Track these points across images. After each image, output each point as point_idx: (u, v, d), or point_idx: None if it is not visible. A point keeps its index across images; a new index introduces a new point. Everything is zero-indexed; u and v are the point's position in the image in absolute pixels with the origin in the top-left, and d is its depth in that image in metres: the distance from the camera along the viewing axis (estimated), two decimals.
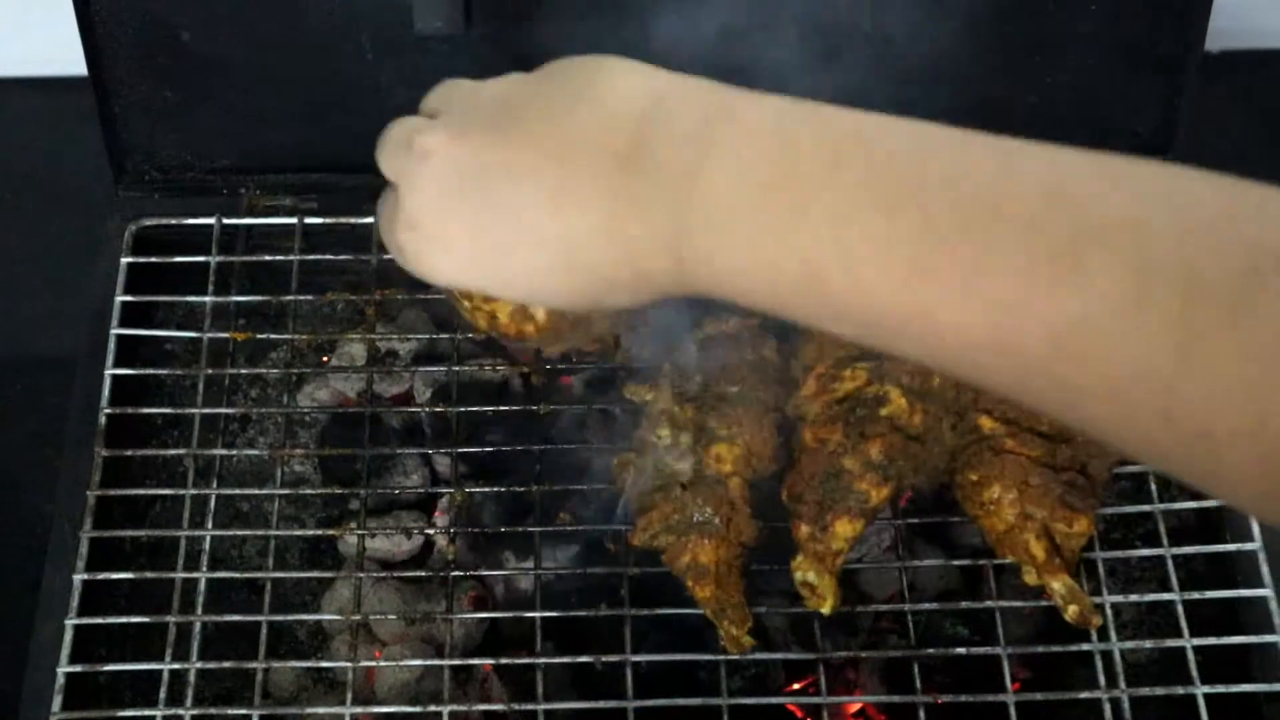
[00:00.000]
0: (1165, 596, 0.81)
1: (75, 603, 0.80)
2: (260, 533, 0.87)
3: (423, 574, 0.85)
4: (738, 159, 0.50)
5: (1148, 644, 0.82)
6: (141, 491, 0.88)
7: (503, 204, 0.54)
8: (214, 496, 0.84)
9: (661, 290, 0.54)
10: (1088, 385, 0.44)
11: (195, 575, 0.81)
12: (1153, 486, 0.84)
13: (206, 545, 0.83)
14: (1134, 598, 0.85)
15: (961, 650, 0.80)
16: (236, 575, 0.85)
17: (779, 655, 0.83)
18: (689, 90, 0.53)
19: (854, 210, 0.47)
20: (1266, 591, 0.80)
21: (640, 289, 0.54)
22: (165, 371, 0.95)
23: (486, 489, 0.86)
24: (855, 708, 0.84)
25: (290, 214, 0.94)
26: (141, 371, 0.92)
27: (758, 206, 0.49)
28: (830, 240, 0.47)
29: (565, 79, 0.56)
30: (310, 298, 0.93)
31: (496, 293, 0.57)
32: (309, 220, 0.94)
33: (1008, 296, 0.45)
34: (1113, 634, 0.80)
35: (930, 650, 0.80)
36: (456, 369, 0.89)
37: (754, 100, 0.52)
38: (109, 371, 0.87)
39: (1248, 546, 0.82)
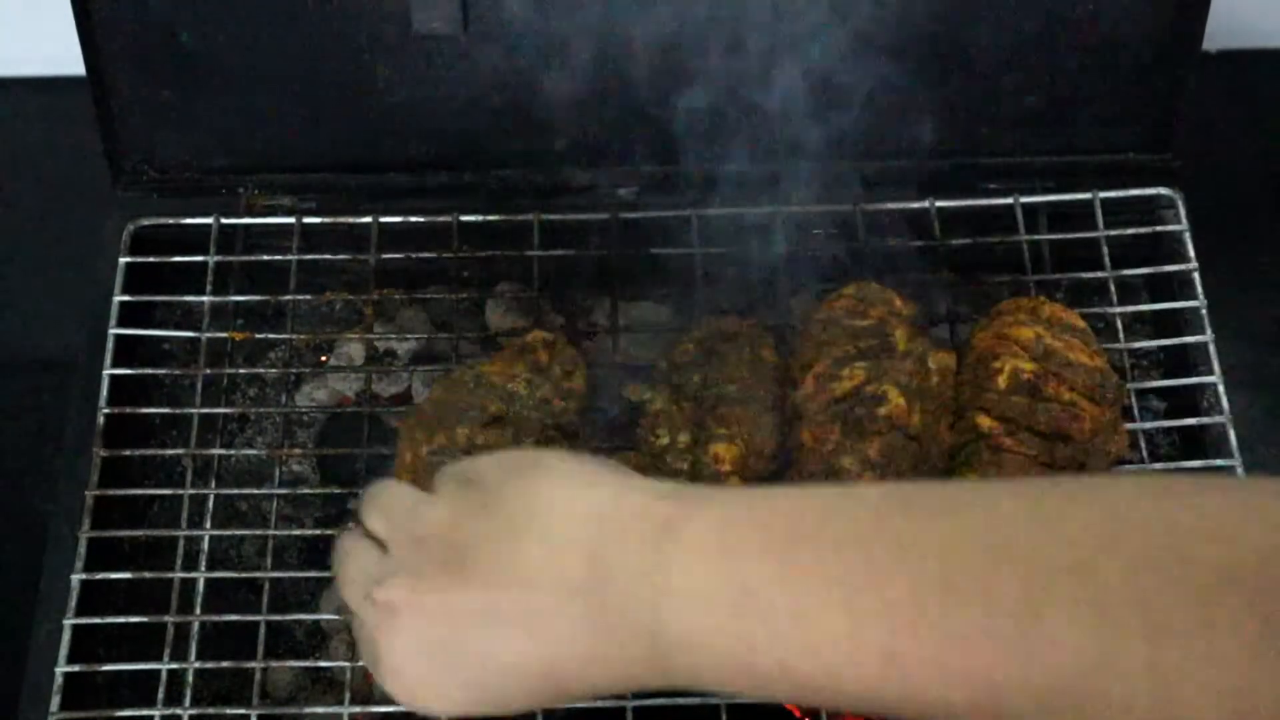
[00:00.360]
0: None
1: (74, 602, 0.80)
2: (259, 532, 0.87)
3: None
4: (692, 585, 0.51)
5: None
6: (140, 491, 0.88)
7: (481, 650, 0.55)
8: (212, 496, 0.84)
9: (650, 687, 0.55)
10: None
11: (194, 575, 0.81)
12: None
13: (205, 545, 0.83)
14: None
15: None
16: (235, 575, 0.85)
17: None
18: (630, 509, 0.54)
19: (815, 613, 0.48)
20: None
21: (634, 686, 0.55)
22: (164, 371, 0.95)
23: None
24: None
25: (288, 214, 0.94)
26: (140, 371, 0.92)
27: (725, 631, 0.50)
28: (799, 646, 0.48)
29: (507, 504, 0.56)
30: (308, 297, 0.93)
31: (497, 714, 0.58)
32: (307, 220, 0.94)
33: (982, 669, 0.45)
34: None
35: None
36: (454, 369, 0.89)
37: (697, 507, 0.53)
38: (107, 371, 0.87)
39: None
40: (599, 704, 0.78)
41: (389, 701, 0.81)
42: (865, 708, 0.50)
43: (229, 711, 0.80)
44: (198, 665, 0.79)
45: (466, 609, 0.55)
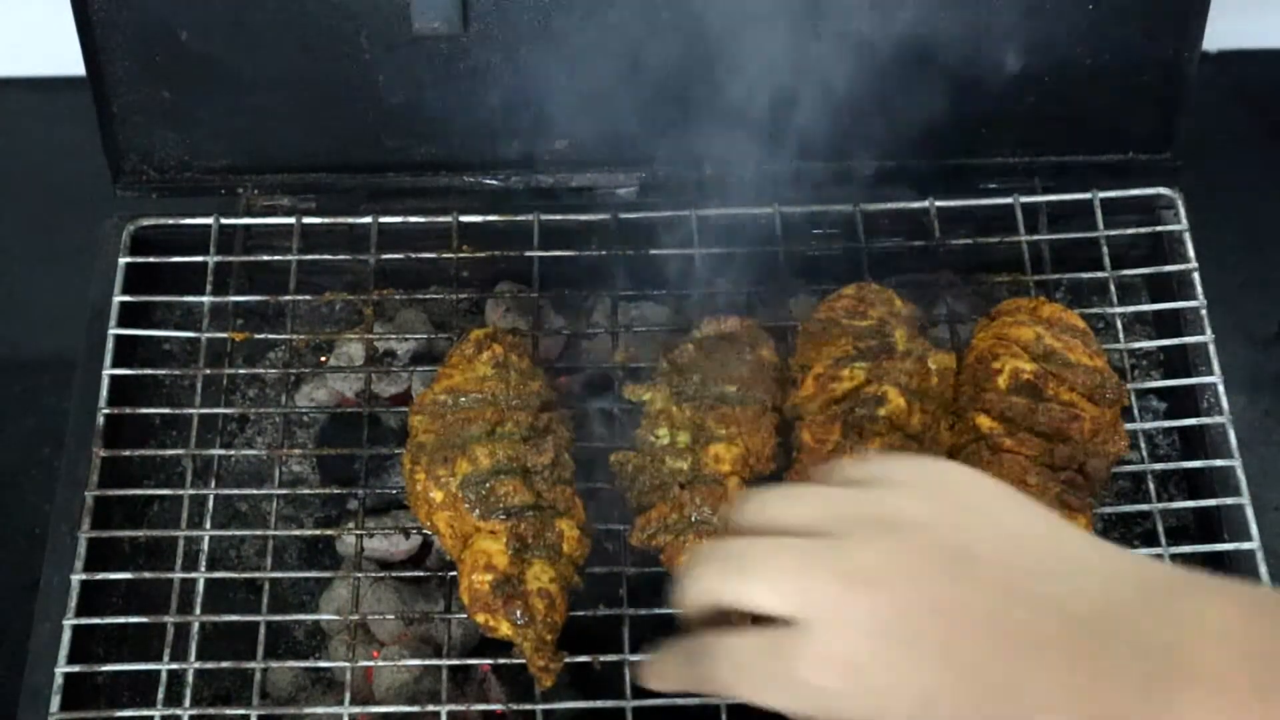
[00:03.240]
0: None
1: (73, 603, 0.80)
2: (258, 533, 0.87)
3: (421, 574, 0.85)
4: (1207, 674, 0.47)
5: None
6: (140, 492, 0.88)
7: (955, 653, 0.49)
8: (212, 496, 0.84)
9: None
10: None
11: (193, 575, 0.81)
12: (1151, 486, 0.84)
13: (205, 545, 0.83)
14: None
15: None
16: (235, 575, 0.85)
17: None
18: (1148, 584, 0.50)
19: None
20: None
21: None
22: (163, 372, 0.95)
23: None
24: None
25: (288, 214, 0.94)
26: (139, 372, 0.92)
27: (1245, 707, 0.47)
28: None
29: (1015, 524, 0.52)
30: (308, 298, 0.93)
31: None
32: (307, 220, 0.94)
33: None
34: None
35: None
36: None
37: (1216, 595, 0.49)
38: (107, 372, 0.87)
39: (1245, 546, 0.82)
40: (599, 704, 0.78)
41: (389, 702, 0.82)
42: None
43: (229, 712, 0.80)
44: (198, 665, 0.79)
45: (958, 605, 0.49)
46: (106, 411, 0.86)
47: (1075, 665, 0.48)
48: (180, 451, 0.87)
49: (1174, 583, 0.50)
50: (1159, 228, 0.94)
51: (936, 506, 0.52)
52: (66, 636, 0.79)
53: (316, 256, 0.93)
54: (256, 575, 0.83)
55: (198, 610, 0.80)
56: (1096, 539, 0.54)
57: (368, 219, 0.93)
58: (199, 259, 0.92)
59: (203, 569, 0.82)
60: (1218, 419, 0.86)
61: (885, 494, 0.52)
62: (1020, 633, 0.49)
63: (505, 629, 0.75)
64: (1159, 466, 0.86)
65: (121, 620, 0.82)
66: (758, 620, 0.52)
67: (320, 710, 0.82)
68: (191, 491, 0.84)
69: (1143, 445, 0.86)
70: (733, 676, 0.52)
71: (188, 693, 0.78)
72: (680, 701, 0.76)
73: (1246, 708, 0.47)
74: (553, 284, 0.93)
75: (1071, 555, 0.51)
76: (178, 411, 0.88)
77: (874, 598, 0.49)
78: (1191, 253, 0.92)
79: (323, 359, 0.97)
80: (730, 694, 0.52)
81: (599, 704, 0.78)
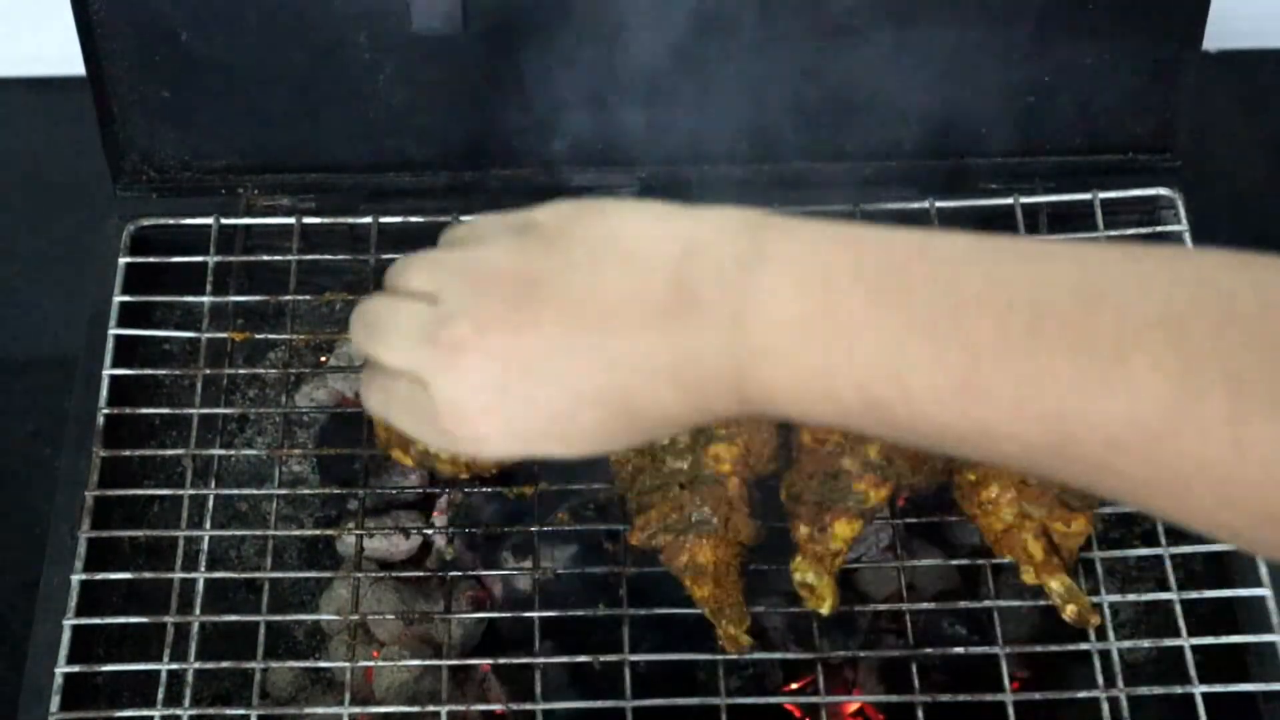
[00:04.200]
0: (1163, 596, 0.81)
1: (73, 603, 0.80)
2: (258, 533, 0.87)
3: (421, 574, 0.85)
4: (778, 301, 0.51)
5: (1146, 643, 0.82)
6: (140, 492, 0.88)
7: (554, 379, 0.53)
8: (212, 497, 0.84)
9: (723, 416, 0.54)
10: (1149, 479, 0.46)
11: (193, 575, 0.81)
12: None
13: (205, 545, 0.82)
14: (1132, 597, 0.85)
15: (960, 650, 0.80)
16: (235, 575, 0.85)
17: (777, 655, 0.83)
18: (714, 232, 0.53)
19: (900, 340, 0.48)
20: (1264, 591, 0.80)
21: (701, 419, 0.54)
22: (163, 372, 0.95)
23: (484, 489, 0.86)
24: (853, 707, 0.84)
25: (288, 214, 0.94)
26: (140, 372, 0.92)
27: (808, 348, 0.50)
28: (882, 372, 0.49)
29: (578, 239, 0.55)
30: (308, 298, 0.93)
31: (559, 455, 0.56)
32: (307, 220, 0.94)
33: (1059, 407, 0.46)
34: (1111, 633, 0.80)
35: (928, 650, 0.80)
36: None
37: (782, 233, 0.52)
38: (107, 372, 0.87)
39: None
40: (599, 704, 0.78)
41: (389, 702, 0.82)
42: (935, 440, 0.50)
43: (229, 712, 0.80)
44: (197, 666, 0.79)
45: (541, 345, 0.53)
46: (106, 411, 0.86)
47: (667, 349, 0.52)
48: (180, 451, 0.87)
49: (741, 254, 0.52)
50: (1159, 228, 0.94)
51: (528, 249, 0.55)
52: (66, 636, 0.79)
53: (316, 256, 0.93)
54: (256, 575, 0.83)
55: (198, 610, 0.80)
56: (684, 213, 0.55)
57: (368, 219, 0.93)
58: (199, 259, 0.92)
59: (203, 569, 0.82)
60: None
61: (475, 250, 0.56)
62: (605, 335, 0.52)
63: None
64: None
65: (121, 620, 0.81)
66: None
67: (320, 710, 0.82)
68: (191, 491, 0.84)
69: None
70: (385, 410, 0.58)
71: (188, 693, 0.78)
72: (680, 701, 0.77)
73: (806, 360, 0.50)
74: None
75: (648, 249, 0.53)
76: (178, 411, 0.88)
77: (463, 357, 0.54)
78: None
79: (323, 359, 0.97)
80: (399, 429, 0.59)
81: (599, 704, 0.78)
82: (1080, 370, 0.45)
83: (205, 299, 0.90)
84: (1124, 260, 0.48)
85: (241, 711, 0.79)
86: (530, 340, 0.53)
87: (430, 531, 0.88)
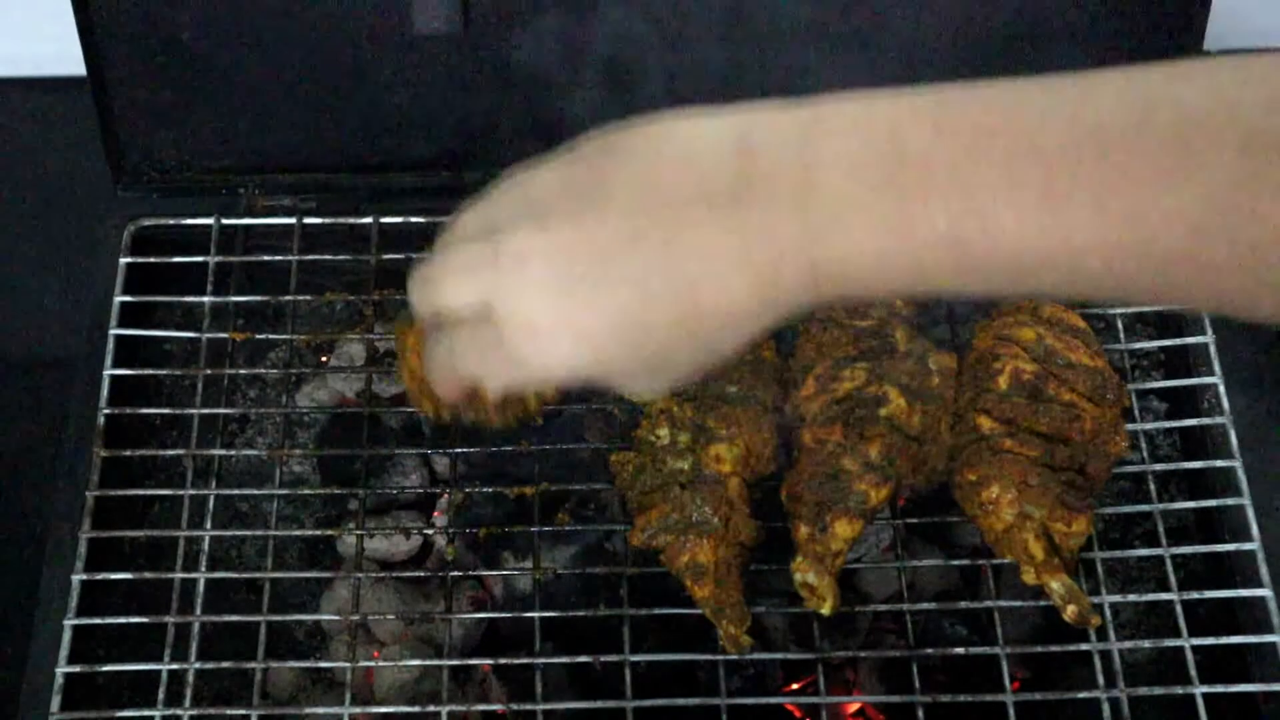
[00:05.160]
0: (1164, 596, 0.81)
1: (74, 603, 0.80)
2: (259, 533, 0.87)
3: (421, 574, 0.85)
4: (847, 157, 0.51)
5: (1146, 644, 0.82)
6: (140, 492, 0.88)
7: (621, 274, 0.53)
8: (213, 497, 0.84)
9: (788, 309, 0.54)
10: (1226, 260, 0.47)
11: (194, 575, 0.81)
12: (1151, 486, 0.84)
13: (205, 545, 0.83)
14: (1133, 597, 0.85)
15: (960, 650, 0.80)
16: (235, 575, 0.85)
17: (778, 655, 0.83)
18: (765, 115, 0.53)
19: (972, 170, 0.49)
20: (1265, 591, 0.80)
21: (767, 314, 0.54)
22: (164, 372, 0.95)
23: (485, 489, 0.86)
24: (854, 708, 0.84)
25: (289, 214, 0.94)
26: (140, 372, 0.92)
27: (881, 193, 0.50)
28: (959, 203, 0.49)
29: (631, 147, 0.54)
30: (309, 298, 0.93)
31: (633, 366, 0.55)
32: (308, 220, 0.94)
33: (1139, 202, 0.47)
34: (1111, 634, 0.80)
35: (929, 650, 0.80)
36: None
37: (835, 103, 0.53)
38: (108, 372, 0.87)
39: (1246, 546, 0.82)
40: (599, 704, 0.78)
41: (389, 702, 0.82)
42: (1014, 274, 0.50)
43: (229, 712, 0.80)
44: (198, 666, 0.79)
45: (607, 239, 0.53)
46: (107, 411, 0.86)
47: (736, 233, 0.51)
48: (181, 452, 0.87)
49: (801, 126, 0.52)
50: None
51: (570, 162, 0.56)
52: (66, 636, 0.79)
53: (317, 256, 0.93)
54: (257, 575, 0.83)
55: (198, 610, 0.80)
56: (733, 117, 0.55)
57: (368, 219, 0.93)
58: (200, 259, 0.92)
59: (203, 569, 0.82)
60: (1218, 419, 0.86)
61: (526, 178, 0.57)
62: (672, 229, 0.52)
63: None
64: (1159, 467, 0.86)
65: (122, 620, 0.81)
66: None
67: (321, 710, 0.82)
68: (192, 492, 0.84)
69: (1143, 445, 0.86)
70: (450, 362, 0.58)
71: (188, 693, 0.78)
72: (680, 701, 0.77)
73: (881, 209, 0.50)
74: None
75: (704, 141, 0.53)
76: (178, 412, 0.88)
77: (527, 264, 0.53)
78: None
79: (323, 359, 0.97)
80: (466, 377, 0.58)
81: (599, 704, 0.78)
82: (1150, 163, 0.47)
83: (206, 299, 0.90)
84: (1159, 67, 0.49)
85: (242, 711, 0.79)
86: (594, 234, 0.53)
87: (431, 531, 0.88)
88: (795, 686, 0.84)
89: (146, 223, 0.94)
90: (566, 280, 0.53)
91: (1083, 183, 0.48)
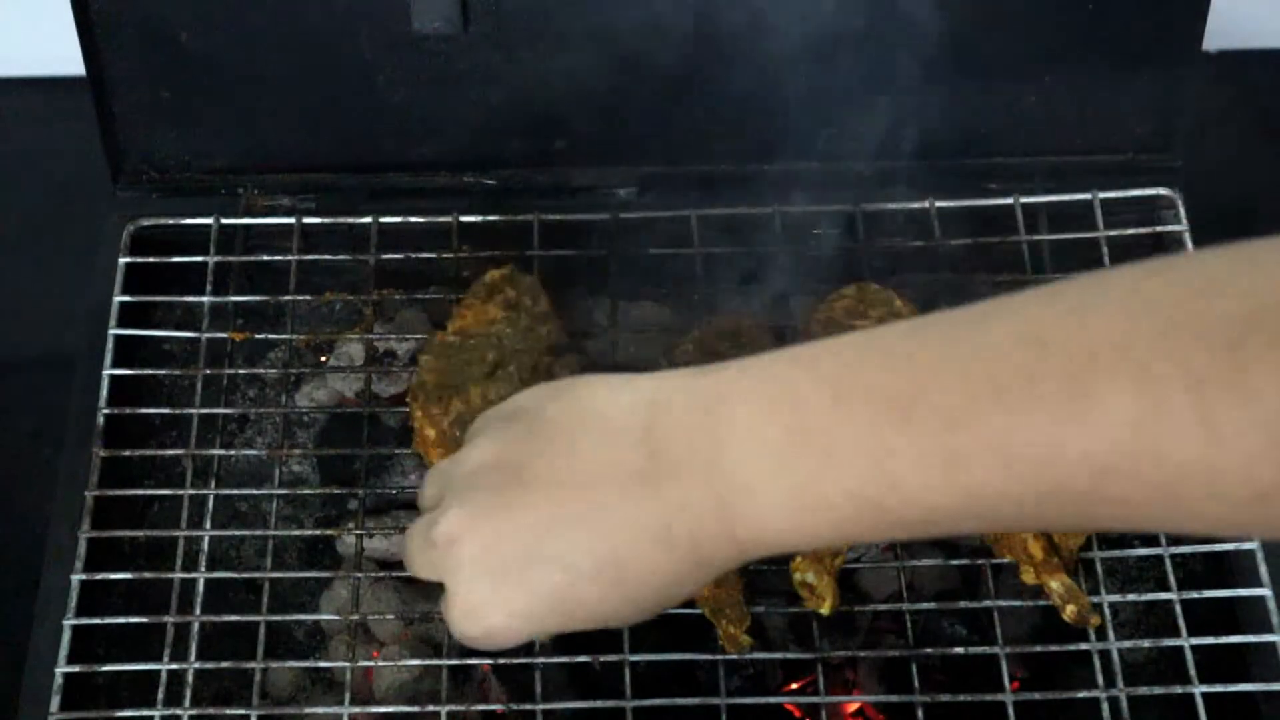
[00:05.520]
0: (1163, 596, 0.81)
1: (73, 603, 0.80)
2: (258, 533, 0.87)
3: None
4: (751, 433, 0.52)
5: (1146, 643, 0.82)
6: (140, 492, 0.88)
7: (547, 557, 0.56)
8: (212, 497, 0.84)
9: (718, 570, 0.56)
10: (1139, 496, 0.47)
11: (193, 575, 0.81)
12: None
13: (205, 545, 0.83)
14: (1132, 597, 0.85)
15: (960, 650, 0.80)
16: (235, 575, 0.85)
17: (777, 655, 0.83)
18: (674, 387, 0.56)
19: (875, 430, 0.50)
20: (1265, 591, 0.80)
21: (701, 576, 0.56)
22: (163, 372, 0.95)
23: None
24: (853, 707, 0.84)
25: (288, 214, 0.94)
26: (139, 372, 0.92)
27: (790, 467, 0.51)
28: (866, 467, 0.50)
29: (554, 419, 0.57)
30: (308, 298, 0.93)
31: (575, 627, 0.59)
32: (307, 220, 0.94)
33: (1042, 450, 0.47)
34: (1111, 633, 0.80)
35: (928, 650, 0.80)
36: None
37: (736, 373, 0.55)
38: (107, 372, 0.87)
39: (1246, 546, 0.82)
40: (599, 704, 0.78)
41: (389, 702, 0.82)
42: (929, 525, 0.51)
43: (229, 712, 0.80)
44: (197, 666, 0.79)
45: (528, 522, 0.56)
46: (106, 411, 0.86)
47: (653, 511, 0.54)
48: (180, 451, 0.87)
49: (705, 400, 0.54)
50: (1159, 228, 0.94)
51: (510, 438, 0.58)
52: (66, 636, 0.79)
53: (316, 256, 0.93)
54: (256, 575, 0.83)
55: (198, 610, 0.80)
56: (647, 377, 0.58)
57: (368, 219, 0.93)
58: (199, 259, 0.92)
59: (203, 569, 0.82)
60: None
61: (466, 450, 0.60)
62: (590, 508, 0.55)
63: None
64: None
65: (121, 620, 0.81)
66: None
67: (320, 710, 0.82)
68: (191, 491, 0.84)
69: None
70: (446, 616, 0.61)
71: (188, 693, 0.78)
72: (680, 701, 0.77)
73: (790, 481, 0.52)
74: (552, 284, 0.93)
75: (618, 421, 0.56)
76: (178, 411, 0.88)
77: (458, 549, 0.57)
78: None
79: (323, 359, 0.97)
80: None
81: (599, 704, 0.78)
82: (1049, 410, 0.47)
83: (205, 299, 0.90)
84: (1051, 297, 0.50)
85: (241, 711, 0.79)
86: (518, 521, 0.56)
87: None
88: (795, 686, 0.84)
89: (146, 223, 0.94)
90: (497, 561, 0.56)
91: (985, 439, 0.48)
